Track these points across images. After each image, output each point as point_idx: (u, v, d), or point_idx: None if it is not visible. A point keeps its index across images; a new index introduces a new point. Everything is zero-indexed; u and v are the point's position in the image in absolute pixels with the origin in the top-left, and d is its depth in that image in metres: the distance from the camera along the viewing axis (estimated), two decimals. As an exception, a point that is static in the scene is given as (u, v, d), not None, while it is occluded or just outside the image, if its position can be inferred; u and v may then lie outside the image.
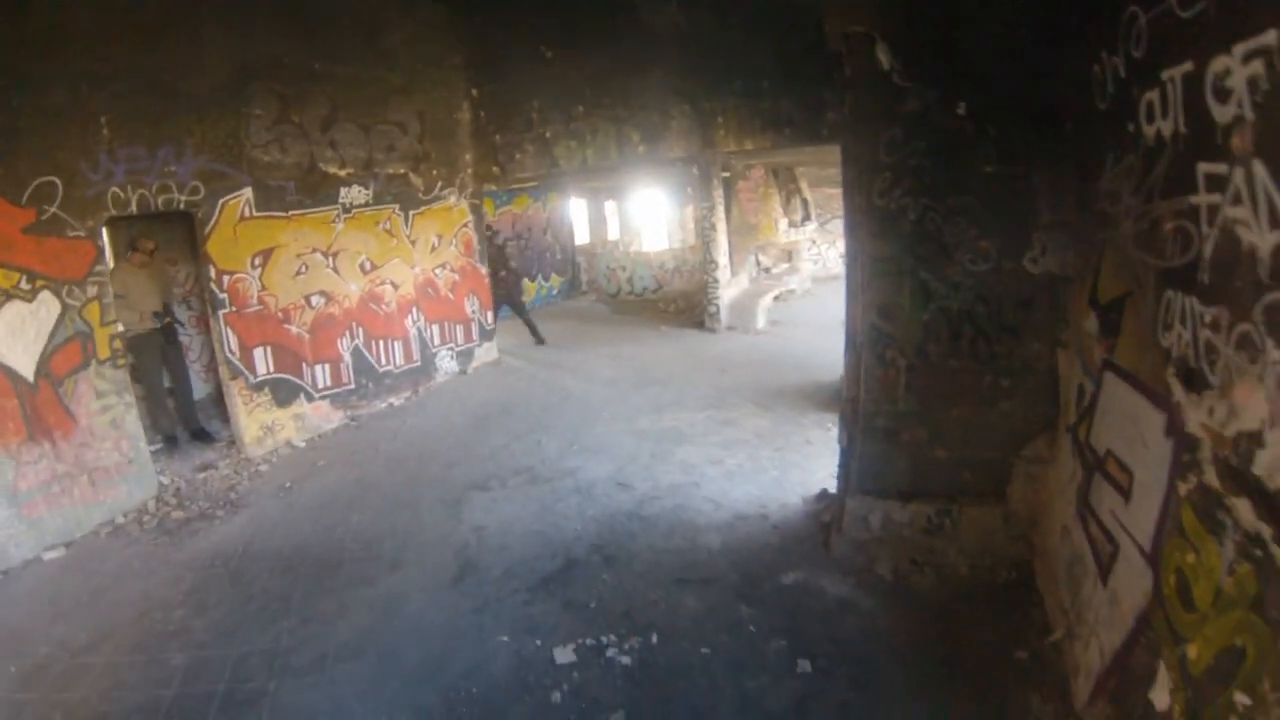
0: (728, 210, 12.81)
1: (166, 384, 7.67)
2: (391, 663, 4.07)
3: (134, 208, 6.42)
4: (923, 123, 3.81)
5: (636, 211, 16.60)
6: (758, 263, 14.79)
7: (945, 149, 3.80)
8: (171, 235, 8.10)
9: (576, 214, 17.31)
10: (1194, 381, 2.31)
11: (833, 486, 5.10)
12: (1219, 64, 2.01)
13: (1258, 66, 1.83)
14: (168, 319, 7.53)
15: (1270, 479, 1.88)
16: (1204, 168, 2.15)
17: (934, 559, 4.40)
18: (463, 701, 3.70)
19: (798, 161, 13.74)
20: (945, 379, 4.17)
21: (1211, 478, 2.19)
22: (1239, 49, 1.90)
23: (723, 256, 11.92)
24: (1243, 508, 2.00)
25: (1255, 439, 1.95)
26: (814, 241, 16.48)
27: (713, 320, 11.95)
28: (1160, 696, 2.40)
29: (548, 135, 9.71)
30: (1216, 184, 2.09)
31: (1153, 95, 2.46)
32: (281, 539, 5.68)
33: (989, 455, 4.20)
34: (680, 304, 14.19)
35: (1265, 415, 1.91)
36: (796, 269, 15.04)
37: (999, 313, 3.95)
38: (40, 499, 5.72)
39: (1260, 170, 1.86)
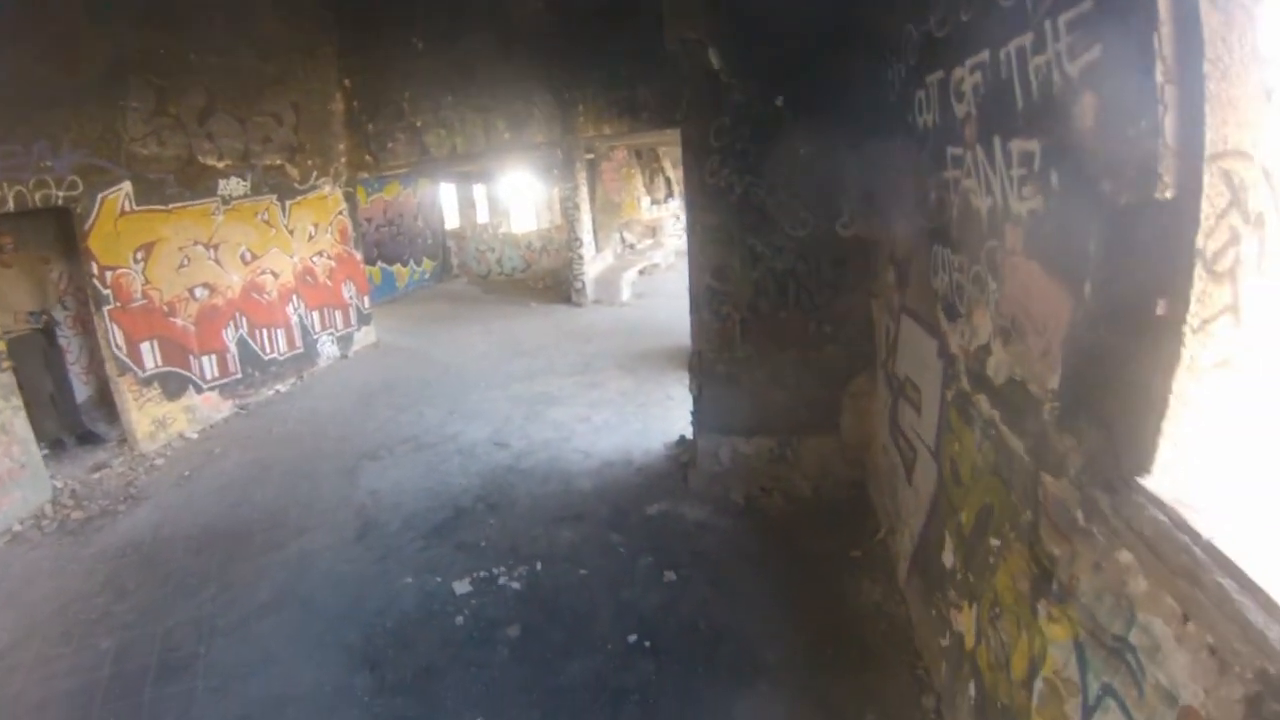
0: (592, 190, 13.15)
1: (48, 387, 7.29)
2: (311, 611, 4.32)
3: (11, 205, 6.14)
4: (746, 113, 4.39)
5: (505, 194, 16.61)
6: (623, 239, 15.21)
7: (766, 135, 4.38)
8: (42, 234, 7.66)
9: (446, 199, 17.13)
10: (951, 313, 2.94)
11: (690, 433, 5.65)
12: (957, 73, 2.60)
13: (978, 76, 2.42)
14: (46, 318, 7.19)
15: (996, 377, 2.50)
16: (950, 150, 2.75)
17: (780, 485, 5.04)
18: (379, 634, 4.04)
19: (660, 142, 14.21)
20: (777, 328, 4.79)
21: (965, 383, 2.82)
22: (968, 62, 2.49)
23: (587, 234, 12.29)
24: (982, 401, 2.63)
25: (986, 350, 2.58)
26: (677, 218, 17.02)
27: (579, 295, 12.32)
28: (947, 557, 3.05)
29: (418, 124, 9.79)
30: (957, 162, 2.69)
31: (921, 94, 3.06)
32: (189, 522, 5.68)
33: (820, 393, 4.85)
34: (548, 281, 14.45)
35: (991, 331, 2.53)
36: (660, 244, 15.59)
37: (818, 270, 4.59)
38: None
39: (980, 153, 2.46)
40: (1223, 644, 1.38)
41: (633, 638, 3.79)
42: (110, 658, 4.10)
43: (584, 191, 12.10)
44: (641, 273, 13.39)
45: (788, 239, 4.59)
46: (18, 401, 6.15)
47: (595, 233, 12.94)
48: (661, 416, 6.87)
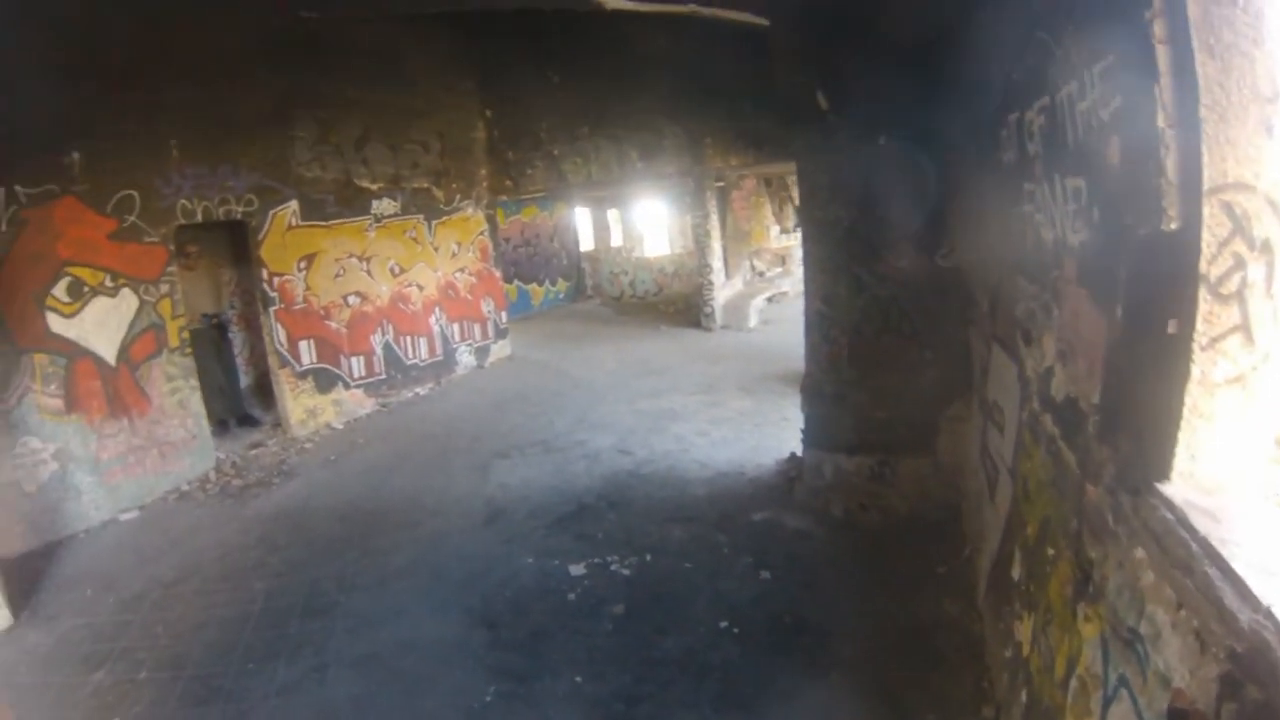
0: (722, 218, 13.38)
1: (219, 375, 8.27)
2: (440, 578, 4.84)
3: (199, 217, 7.15)
4: (852, 150, 4.56)
5: (638, 219, 17.07)
6: (752, 267, 15.33)
7: (870, 170, 4.53)
8: (219, 244, 8.75)
9: (581, 222, 17.71)
10: (1027, 339, 3.03)
11: (799, 451, 5.76)
12: (1028, 115, 2.73)
13: (1043, 118, 2.56)
14: (215, 319, 8.22)
15: (1057, 395, 2.59)
16: (1026, 186, 2.86)
17: (878, 502, 5.10)
18: (499, 601, 4.49)
19: (787, 172, 14.25)
20: (880, 353, 4.90)
21: (1035, 404, 2.90)
22: (1035, 104, 2.62)
23: (717, 261, 12.56)
24: (1047, 420, 2.71)
25: (1050, 371, 2.67)
26: (804, 247, 16.91)
27: (708, 320, 12.55)
28: (1015, 570, 3.11)
29: (555, 152, 10.32)
30: (1031, 198, 2.80)
31: (1004, 133, 3.17)
32: (334, 497, 6.39)
33: (919, 415, 4.89)
34: (679, 305, 14.77)
35: (1054, 354, 2.63)
36: (789, 273, 15.58)
37: (919, 298, 4.67)
38: (118, 468, 6.41)
39: (1046, 189, 2.58)
40: (1204, 627, 1.50)
41: (723, 623, 4.03)
42: (262, 596, 4.78)
43: (714, 219, 12.37)
44: (769, 300, 13.48)
45: (891, 269, 4.71)
46: (195, 383, 7.12)
47: (725, 259, 13.15)
48: (775, 435, 7.00)
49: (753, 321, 12.53)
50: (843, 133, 4.56)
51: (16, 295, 5.83)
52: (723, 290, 12.86)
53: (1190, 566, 1.58)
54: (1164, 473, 1.81)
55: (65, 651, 4.35)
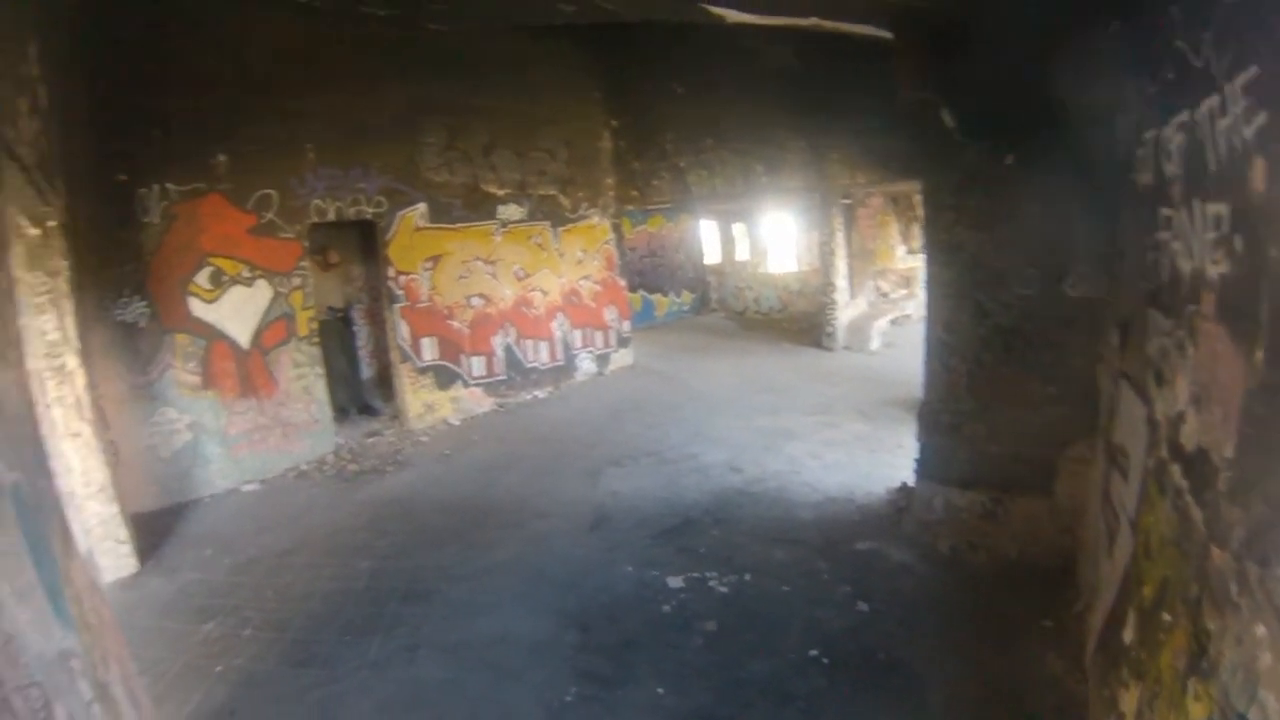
0: (847, 236, 12.97)
1: (342, 365, 8.74)
2: (539, 578, 4.91)
3: (331, 216, 7.63)
4: (978, 171, 4.29)
5: (764, 234, 16.81)
6: (877, 287, 14.79)
7: (997, 193, 4.24)
8: (347, 242, 9.27)
9: (707, 234, 17.55)
10: (1159, 379, 2.72)
11: (912, 481, 5.48)
12: (1165, 132, 2.46)
13: (1181, 136, 2.29)
14: (341, 313, 8.69)
15: (1188, 444, 2.31)
16: (1163, 211, 2.58)
17: (988, 542, 4.75)
18: (594, 606, 4.51)
19: (915, 190, 13.70)
20: (999, 384, 4.56)
21: (1163, 451, 2.59)
22: (1173, 121, 2.36)
23: (841, 280, 12.17)
24: (1175, 471, 2.42)
25: (1182, 416, 2.38)
26: (932, 269, 16.14)
27: (830, 340, 12.18)
28: (1127, 633, 2.79)
29: (681, 164, 10.23)
30: (1168, 224, 2.52)
31: (1140, 152, 2.89)
32: (444, 490, 6.62)
33: (1038, 453, 4.51)
34: (802, 324, 14.40)
35: (1187, 397, 2.34)
36: (913, 294, 14.94)
37: (1044, 329, 4.32)
38: (244, 443, 6.96)
39: (1184, 215, 2.32)
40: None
41: (813, 651, 3.87)
42: (366, 575, 5.00)
43: (839, 237, 11.97)
44: (893, 322, 12.92)
45: (1015, 296, 4.38)
46: (320, 370, 7.56)
47: (849, 279, 12.73)
48: (889, 462, 6.69)
49: (875, 343, 12.06)
50: (968, 152, 4.30)
51: (165, 281, 6.48)
52: (845, 310, 12.45)
53: (1317, 655, 1.35)
54: (1300, 542, 1.57)
55: (181, 602, 4.76)
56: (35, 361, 4.37)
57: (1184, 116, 2.23)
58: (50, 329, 4.66)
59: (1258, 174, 1.71)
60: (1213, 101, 1.94)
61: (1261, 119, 1.64)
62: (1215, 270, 2.08)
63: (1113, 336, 3.72)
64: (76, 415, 4.81)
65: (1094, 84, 3.36)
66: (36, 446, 2.70)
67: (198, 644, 4.25)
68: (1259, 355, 1.75)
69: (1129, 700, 2.49)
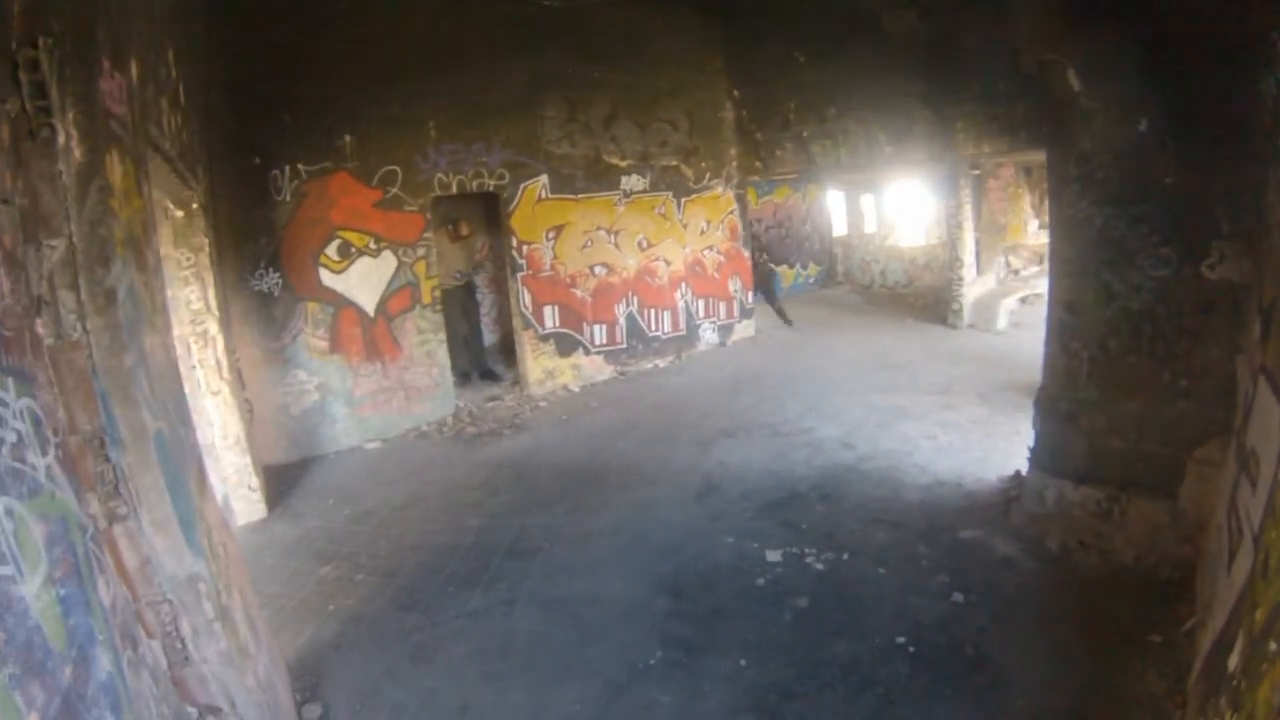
0: (976, 209, 12.17)
1: (464, 331, 9.11)
2: (640, 543, 5.03)
3: (454, 189, 7.93)
4: (1108, 139, 3.88)
5: (892, 206, 16.06)
6: (1007, 264, 13.80)
7: (1128, 162, 3.83)
8: (473, 212, 9.55)
9: (834, 206, 16.91)
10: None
11: (1025, 470, 5.15)
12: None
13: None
14: (465, 279, 9.02)
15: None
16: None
17: (1100, 543, 4.39)
18: (690, 574, 4.58)
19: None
20: (1124, 373, 4.18)
21: (1299, 460, 2.32)
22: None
23: (968, 255, 11.47)
24: (1310, 485, 2.16)
25: (1318, 421, 2.12)
26: (1068, 244, 14.87)
27: (955, 317, 11.55)
28: (1233, 660, 2.53)
29: (804, 134, 9.86)
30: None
31: (1292, 117, 2.54)
32: (558, 455, 6.83)
33: (1162, 451, 4.12)
34: (928, 299, 13.72)
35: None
36: (1046, 272, 13.86)
37: (1178, 315, 3.90)
38: (369, 404, 7.43)
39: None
40: None
41: (900, 639, 3.76)
42: (474, 531, 5.27)
43: (967, 210, 11.24)
44: (1023, 301, 12.04)
45: (1147, 277, 3.97)
46: (442, 336, 7.90)
47: (978, 254, 11.97)
48: (1004, 449, 6.31)
49: (1002, 323, 11.32)
50: (1097, 118, 3.89)
51: (296, 253, 6.98)
52: (972, 287, 11.74)
53: None
54: None
55: (303, 546, 5.20)
56: (181, 328, 4.94)
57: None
58: (194, 299, 5.25)
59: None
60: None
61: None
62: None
63: (1255, 326, 3.33)
64: (217, 375, 5.37)
65: (1246, 37, 2.98)
66: (179, 401, 3.04)
67: (314, 584, 4.66)
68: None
69: (1223, 731, 2.27)
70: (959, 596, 4.12)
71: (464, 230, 8.99)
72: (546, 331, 8.88)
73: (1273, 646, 2.03)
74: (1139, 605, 3.88)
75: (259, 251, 6.78)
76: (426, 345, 7.82)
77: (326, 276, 7.18)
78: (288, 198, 6.91)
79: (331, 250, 7.17)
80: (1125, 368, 4.19)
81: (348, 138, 7.16)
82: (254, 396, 6.40)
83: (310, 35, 6.81)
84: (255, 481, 5.67)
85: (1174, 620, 3.72)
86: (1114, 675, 3.39)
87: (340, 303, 7.26)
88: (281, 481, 6.33)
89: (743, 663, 3.69)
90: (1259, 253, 3.38)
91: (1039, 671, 3.45)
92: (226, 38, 6.10)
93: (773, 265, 12.37)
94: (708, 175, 10.25)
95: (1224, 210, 3.58)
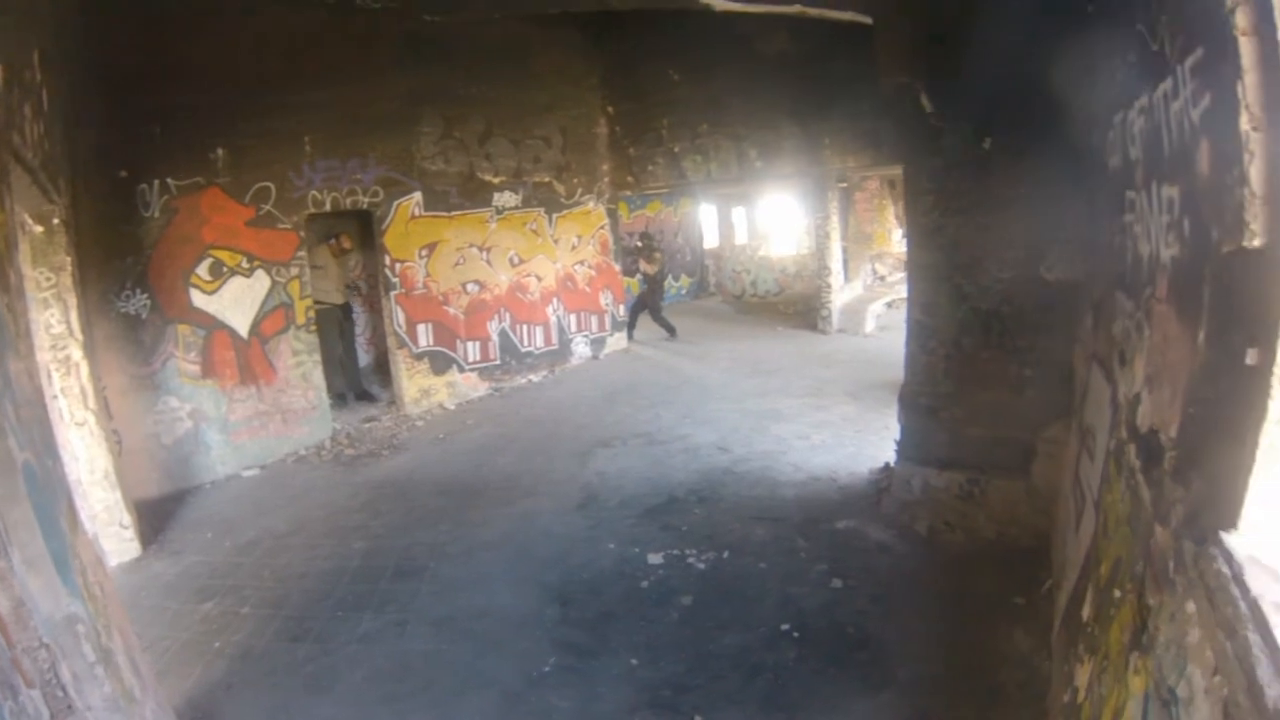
0: (844, 219, 12.86)
1: (340, 352, 8.77)
2: (524, 555, 4.97)
3: (328, 207, 7.64)
4: (957, 155, 4.25)
5: (763, 217, 16.71)
6: (873, 271, 14.72)
7: (975, 176, 4.21)
8: (346, 230, 9.18)
9: (706, 218, 17.48)
10: (1121, 360, 2.72)
11: (894, 462, 5.46)
12: (1130, 115, 2.45)
13: (1142, 120, 2.28)
14: (346, 298, 8.70)
15: (1142, 425, 2.31)
16: (1128, 194, 2.57)
17: (965, 522, 4.75)
18: (576, 582, 4.57)
19: (909, 175, 13.56)
20: (978, 367, 4.56)
21: (1123, 431, 2.60)
22: (1136, 104, 2.34)
23: (835, 263, 12.12)
24: (1131, 450, 2.42)
25: (1139, 397, 2.38)
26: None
27: (824, 323, 12.13)
28: (1086, 610, 2.81)
29: (676, 149, 10.13)
30: (1131, 207, 2.51)
31: (1111, 135, 2.86)
32: (438, 472, 6.67)
33: (1016, 435, 4.51)
34: (799, 306, 14.34)
35: (1143, 378, 2.34)
36: (909, 278, 14.85)
37: (1022, 313, 4.30)
38: (244, 429, 7.00)
39: (1144, 198, 2.30)
40: (1232, 698, 1.29)
41: (785, 626, 3.90)
42: (360, 554, 5.08)
43: (835, 220, 11.89)
44: (889, 305, 12.87)
45: (994, 280, 4.37)
46: (318, 357, 7.60)
47: (845, 262, 12.65)
48: (875, 444, 6.68)
49: (870, 326, 12.03)
50: (947, 136, 4.26)
51: (166, 273, 6.51)
52: (841, 293, 12.42)
53: (1234, 628, 1.36)
54: (1231, 521, 1.57)
55: (183, 583, 4.84)
56: (41, 354, 4.42)
57: (1144, 100, 2.22)
58: (55, 322, 4.71)
59: (1203, 157, 1.70)
60: (1167, 84, 1.92)
61: (1207, 101, 1.63)
62: (1168, 253, 2.08)
63: (1087, 319, 3.71)
64: (81, 405, 4.85)
65: (1071, 67, 3.33)
66: (46, 430, 2.75)
67: (198, 622, 4.34)
68: (1201, 336, 1.75)
69: (1082, 674, 2.51)
70: (838, 582, 4.32)
71: (346, 244, 8.64)
72: (421, 350, 8.68)
73: (1117, 594, 2.26)
74: (1003, 574, 4.20)
75: (126, 271, 6.28)
76: (302, 367, 7.47)
77: (198, 297, 6.73)
78: (157, 214, 6.43)
79: (203, 270, 6.73)
80: (978, 362, 4.56)
81: (221, 151, 6.75)
82: (122, 426, 5.89)
83: (183, 40, 6.34)
84: (127, 518, 5.17)
85: (1034, 583, 4.05)
86: (986, 638, 3.65)
87: (213, 325, 6.82)
88: (155, 516, 5.84)
89: (634, 662, 3.73)
90: (1088, 255, 3.77)
91: (917, 643, 3.68)
92: (96, 39, 5.60)
93: (659, 278, 12.50)
94: (580, 191, 10.31)
95: (1060, 218, 3.97)
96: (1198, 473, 1.78)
